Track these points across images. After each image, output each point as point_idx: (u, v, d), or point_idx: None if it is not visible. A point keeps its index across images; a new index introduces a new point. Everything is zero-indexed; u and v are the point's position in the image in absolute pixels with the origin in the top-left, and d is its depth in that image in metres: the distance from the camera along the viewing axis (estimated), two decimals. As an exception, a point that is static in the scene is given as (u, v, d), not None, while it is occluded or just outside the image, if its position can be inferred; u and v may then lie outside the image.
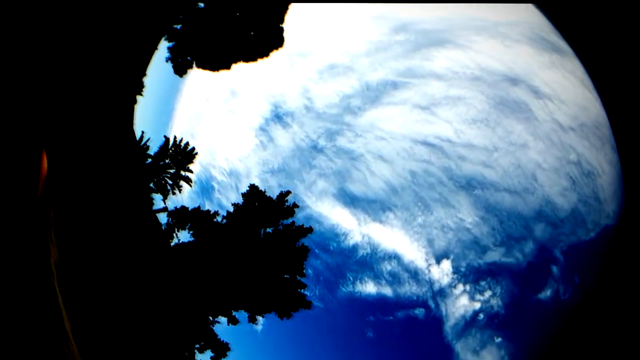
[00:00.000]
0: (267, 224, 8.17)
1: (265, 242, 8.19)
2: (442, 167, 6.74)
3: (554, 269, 6.61)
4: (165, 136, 9.68)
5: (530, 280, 6.55)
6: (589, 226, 7.37)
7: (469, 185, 6.57)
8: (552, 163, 7.32)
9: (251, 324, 7.78)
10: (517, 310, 6.47)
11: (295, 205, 7.44)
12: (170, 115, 9.37)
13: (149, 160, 9.49)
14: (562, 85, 9.17)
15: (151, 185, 9.36)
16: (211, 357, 7.60)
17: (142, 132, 9.55)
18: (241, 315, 7.87)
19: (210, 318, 8.25)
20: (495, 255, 6.42)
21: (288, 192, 7.61)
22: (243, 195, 8.30)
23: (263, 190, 7.86)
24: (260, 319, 7.81)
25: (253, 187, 8.19)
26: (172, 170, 9.54)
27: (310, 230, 7.21)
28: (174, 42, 9.39)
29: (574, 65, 9.57)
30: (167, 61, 9.68)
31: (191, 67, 9.93)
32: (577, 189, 7.44)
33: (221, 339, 7.93)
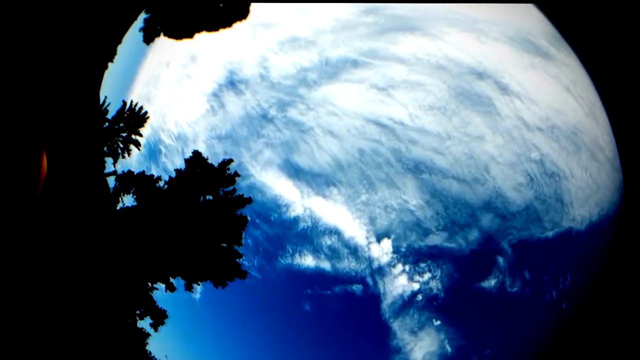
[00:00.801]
0: (207, 191, 8.18)
1: (204, 209, 8.19)
2: (392, 148, 6.83)
3: (500, 260, 6.68)
4: (123, 100, 9.84)
5: (473, 267, 6.62)
6: (545, 225, 7.47)
7: (417, 168, 6.66)
8: (509, 158, 7.45)
9: (188, 291, 7.78)
10: (458, 295, 6.51)
11: (236, 174, 7.45)
12: (133, 80, 9.55)
13: (106, 124, 9.61)
14: (538, 87, 9.41)
15: (105, 149, 9.45)
16: (150, 324, 7.58)
17: (105, 97, 9.69)
18: (179, 282, 7.84)
19: (149, 284, 8.23)
20: (437, 239, 6.48)
21: (230, 161, 7.61)
22: (186, 161, 8.34)
23: (206, 157, 7.91)
24: (197, 287, 7.80)
25: (196, 153, 8.21)
26: (124, 134, 9.60)
27: (249, 200, 7.21)
28: (150, 14, 9.66)
29: (560, 72, 9.83)
30: (140, 31, 9.91)
31: (158, 35, 10.14)
32: (534, 186, 7.56)
33: (159, 306, 7.90)
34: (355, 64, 7.73)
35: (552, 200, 7.82)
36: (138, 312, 8.11)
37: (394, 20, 10.04)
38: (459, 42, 10.20)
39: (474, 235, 6.32)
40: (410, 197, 6.35)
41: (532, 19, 11.23)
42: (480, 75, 8.61)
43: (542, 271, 7.25)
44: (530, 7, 8.86)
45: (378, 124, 6.84)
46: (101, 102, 9.62)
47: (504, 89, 8.71)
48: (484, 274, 6.28)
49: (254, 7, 9.92)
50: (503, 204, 6.74)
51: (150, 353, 7.73)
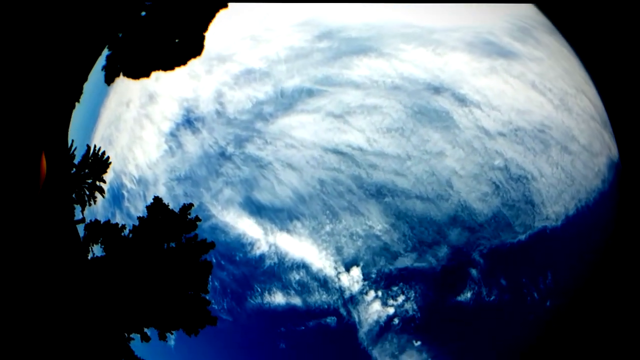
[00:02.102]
0: (170, 238, 8.45)
1: (168, 257, 8.44)
2: (352, 175, 7.19)
3: (473, 271, 7.03)
4: (87, 145, 10.11)
5: (446, 283, 6.93)
6: (517, 229, 7.91)
7: (379, 193, 7.02)
8: (472, 170, 7.92)
9: (162, 340, 7.96)
10: (435, 313, 6.79)
11: (197, 219, 7.76)
12: (96, 121, 9.88)
13: (74, 169, 9.88)
14: (498, 91, 10.01)
15: (73, 195, 9.69)
16: None
17: (72, 141, 9.96)
18: (153, 332, 8.00)
19: (126, 335, 8.37)
20: (406, 261, 6.79)
21: (191, 205, 7.91)
22: (147, 207, 8.64)
23: (167, 202, 8.21)
24: (170, 335, 7.98)
25: (157, 200, 8.51)
26: (89, 180, 9.87)
27: (212, 245, 7.44)
28: (112, 51, 10.13)
29: (525, 68, 10.51)
30: (102, 69, 10.35)
31: (119, 75, 10.59)
32: (501, 193, 8.03)
33: (138, 356, 8.06)
34: (310, 93, 8.24)
35: (521, 204, 8.32)
36: None
37: (348, 44, 10.62)
38: (414, 58, 10.79)
39: (443, 251, 6.74)
40: (375, 222, 6.77)
41: (495, 16, 12.00)
42: (437, 89, 9.22)
43: (519, 275, 7.69)
44: (496, 6, 9.60)
45: (337, 152, 7.30)
46: (69, 145, 9.94)
47: (461, 100, 9.32)
48: (459, 288, 6.68)
49: (209, 35, 10.40)
50: (470, 216, 7.23)
51: None
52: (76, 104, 9.88)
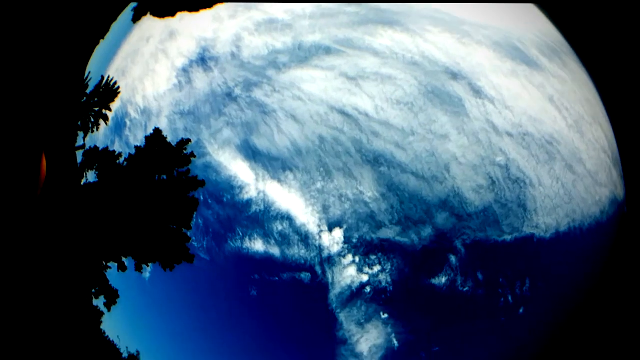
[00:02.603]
0: (162, 170, 8.34)
1: (157, 189, 8.35)
2: (353, 138, 7.01)
3: (452, 258, 6.96)
4: (102, 75, 10.04)
5: (424, 264, 6.86)
6: (504, 228, 7.82)
7: (376, 161, 6.85)
8: (472, 160, 7.76)
9: (137, 272, 7.99)
10: (407, 290, 6.74)
11: (192, 155, 7.62)
12: (116, 54, 9.77)
13: (84, 98, 9.83)
14: (515, 94, 9.78)
15: (79, 123, 9.66)
16: (104, 303, 7.83)
17: (89, 72, 9.88)
18: (130, 262, 8.02)
19: (104, 263, 8.41)
20: (389, 233, 6.69)
21: (188, 141, 7.77)
22: (146, 138, 8.50)
23: (166, 135, 8.07)
24: (146, 267, 8.00)
25: (157, 131, 8.35)
26: (97, 109, 9.79)
27: (202, 183, 7.33)
28: None
29: (547, 82, 10.23)
30: (132, 10, 10.21)
31: (146, 14, 10.41)
32: (496, 190, 7.90)
33: (112, 285, 8.10)
34: (328, 50, 7.98)
35: (513, 206, 8.20)
36: (94, 290, 8.29)
37: (376, 13, 10.32)
38: (439, 41, 10.53)
39: (427, 231, 6.64)
40: (366, 188, 6.63)
41: (527, 26, 11.68)
42: (455, 75, 8.96)
43: (498, 274, 7.62)
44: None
45: (342, 112, 7.10)
46: (85, 76, 9.91)
47: (477, 92, 9.08)
48: (435, 271, 6.61)
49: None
50: (460, 204, 7.10)
51: (104, 332, 7.94)
52: (100, 40, 9.83)
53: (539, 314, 8.50)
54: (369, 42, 9.20)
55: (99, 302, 8.09)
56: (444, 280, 7.33)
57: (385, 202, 7.24)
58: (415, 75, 8.74)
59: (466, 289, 7.54)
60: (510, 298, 8.22)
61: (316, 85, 7.95)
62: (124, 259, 8.58)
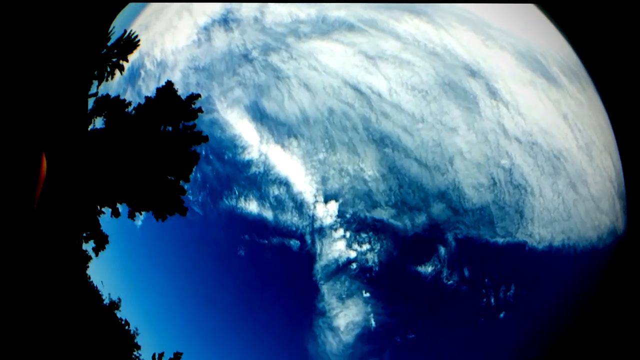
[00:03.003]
0: (168, 122, 8.31)
1: (161, 139, 8.33)
2: (363, 116, 6.93)
3: (442, 250, 6.92)
4: (125, 29, 10.05)
5: (413, 250, 6.82)
6: (497, 231, 7.76)
7: (381, 141, 6.78)
8: (477, 157, 7.68)
9: (130, 219, 7.99)
10: (392, 273, 6.72)
11: (200, 110, 7.56)
12: (141, 10, 9.71)
13: (105, 50, 9.82)
14: (530, 103, 9.65)
15: (95, 72, 9.66)
16: (92, 248, 7.79)
17: (113, 27, 9.87)
18: (123, 209, 8.01)
19: (98, 207, 8.39)
20: (384, 214, 6.63)
21: (198, 96, 7.71)
22: (157, 89, 8.45)
23: (177, 88, 8.02)
24: (139, 215, 7.99)
25: (168, 84, 8.30)
26: (114, 59, 9.78)
27: (205, 139, 7.28)
28: None
29: (563, 100, 10.09)
30: None
31: None
32: (495, 191, 7.83)
33: (103, 231, 8.09)
34: (351, 27, 7.87)
35: (510, 210, 8.13)
36: (85, 234, 8.27)
37: (405, 2, 10.23)
38: (462, 37, 10.38)
39: (421, 219, 6.58)
40: (368, 167, 6.57)
41: (551, 45, 11.53)
42: (473, 73, 8.84)
43: (484, 274, 7.58)
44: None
45: (356, 89, 7.01)
46: (109, 29, 9.91)
47: (492, 93, 8.96)
48: (423, 259, 6.56)
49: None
50: (458, 198, 7.02)
51: (89, 277, 7.93)
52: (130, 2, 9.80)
53: (518, 322, 8.46)
54: (393, 26, 9.08)
55: (88, 247, 8.08)
56: (430, 269, 7.30)
57: (384, 183, 7.19)
58: (434, 65, 8.64)
59: (450, 282, 7.52)
60: (492, 300, 8.19)
61: (334, 59, 7.87)
62: (118, 205, 8.58)
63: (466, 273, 7.77)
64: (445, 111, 8.18)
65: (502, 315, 8.02)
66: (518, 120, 10.15)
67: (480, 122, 8.58)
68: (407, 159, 7.42)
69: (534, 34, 11.49)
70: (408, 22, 9.74)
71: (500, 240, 8.34)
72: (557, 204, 9.58)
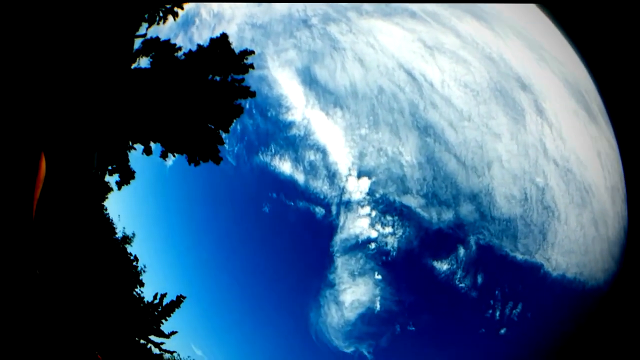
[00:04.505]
0: (218, 73, 8.19)
1: (207, 88, 8.22)
2: (411, 101, 6.78)
3: (461, 251, 6.73)
4: None
5: (433, 244, 6.66)
6: (518, 247, 7.53)
7: (425, 130, 6.62)
8: (514, 168, 7.44)
9: (162, 158, 7.88)
10: (408, 262, 6.57)
11: (251, 67, 7.43)
12: None
13: None
14: (572, 131, 9.37)
15: (145, 16, 9.57)
16: (116, 182, 7.71)
17: None
18: (156, 148, 7.92)
19: (129, 143, 8.31)
20: (412, 202, 6.48)
21: (251, 52, 7.59)
22: (211, 39, 8.35)
23: (232, 41, 7.91)
24: (172, 157, 7.88)
25: (223, 36, 8.20)
26: (168, 5, 9.68)
27: (253, 94, 7.16)
28: None
29: (599, 138, 9.79)
30: None
31: None
32: (525, 207, 7.58)
33: (130, 166, 8.01)
34: (413, 15, 7.63)
35: (535, 229, 7.84)
36: (110, 167, 8.19)
37: (469, 5, 9.94)
38: (518, 51, 10.10)
39: (448, 215, 6.34)
40: (407, 152, 6.35)
41: (591, 88, 11.22)
42: (525, 86, 8.55)
43: (495, 285, 7.32)
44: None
45: (409, 74, 6.78)
46: None
47: (540, 110, 8.65)
48: (441, 255, 6.33)
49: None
50: (489, 203, 6.76)
51: (106, 209, 7.80)
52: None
53: (516, 343, 8.14)
54: (454, 23, 8.79)
55: (112, 179, 7.93)
56: (445, 267, 7.09)
57: (420, 172, 6.99)
58: (489, 69, 8.35)
59: (462, 285, 7.28)
60: (497, 314, 7.89)
61: (392, 40, 7.64)
62: (152, 144, 8.40)
63: (479, 280, 7.52)
64: (492, 116, 7.92)
65: (503, 331, 7.74)
66: (559, 143, 9.77)
67: (523, 135, 8.30)
68: (447, 153, 7.21)
69: (578, 69, 11.10)
70: (470, 24, 9.45)
71: (519, 256, 8.06)
72: (579, 236, 9.21)
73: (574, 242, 9.12)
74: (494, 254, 7.44)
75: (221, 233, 6.23)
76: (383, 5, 8.42)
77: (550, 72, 10.99)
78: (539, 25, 11.07)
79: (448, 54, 7.82)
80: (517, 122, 8.00)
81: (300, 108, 6.38)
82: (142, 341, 7.06)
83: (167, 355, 6.65)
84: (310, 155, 5.98)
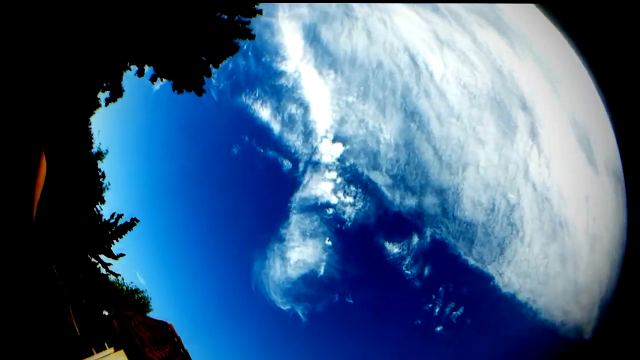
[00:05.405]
0: (227, 11, 8.05)
1: (212, 22, 8.09)
2: (406, 84, 6.70)
3: (415, 239, 6.71)
4: None
5: (390, 226, 6.64)
6: (472, 252, 7.50)
7: (411, 115, 6.55)
8: (490, 177, 7.36)
9: (151, 82, 7.86)
10: (361, 236, 6.56)
11: (260, 12, 7.35)
12: None
13: None
14: (562, 166, 9.27)
15: None
16: (106, 99, 7.72)
17: None
18: (150, 72, 7.89)
19: (127, 63, 8.25)
20: (380, 179, 6.45)
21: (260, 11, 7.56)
22: (226, -18, 8.21)
23: (245, -10, 7.82)
24: (160, 82, 7.87)
25: (237, -21, 8.12)
26: None
27: (252, 37, 7.14)
28: None
29: (592, 184, 9.62)
30: None
31: None
32: (490, 217, 7.51)
33: (122, 85, 8.01)
34: (435, 9, 7.46)
35: (494, 241, 7.78)
36: (105, 84, 8.12)
37: (493, 14, 9.72)
38: (531, 75, 9.94)
39: (411, 202, 6.28)
40: (387, 131, 6.26)
41: (604, 139, 11.00)
42: (525, 107, 8.40)
43: (442, 282, 7.29)
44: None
45: (412, 59, 6.65)
46: None
47: (534, 134, 8.52)
48: (394, 238, 6.28)
49: None
50: (454, 203, 6.69)
51: (90, 124, 7.77)
52: None
53: (449, 344, 8.10)
54: (474, 29, 8.61)
55: (103, 96, 7.84)
56: (396, 250, 7.06)
57: (395, 153, 6.93)
58: (494, 80, 8.20)
59: (408, 272, 7.27)
60: (437, 310, 7.88)
61: (405, 23, 7.50)
62: (146, 67, 8.30)
63: (426, 272, 7.51)
64: (482, 122, 7.83)
65: (439, 329, 7.75)
66: (543, 170, 9.64)
67: (509, 150, 8.20)
68: (427, 143, 7.14)
69: (594, 117, 10.87)
70: (488, 34, 9.27)
71: (471, 261, 8.03)
72: (539, 264, 9.12)
73: (533, 268, 9.07)
74: (447, 252, 7.41)
75: (188, 164, 6.16)
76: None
77: (560, 106, 10.81)
78: (567, 63, 10.80)
79: (457, 52, 7.68)
80: (505, 136, 7.90)
81: (295, 60, 6.27)
82: (92, 259, 7.03)
83: (112, 278, 6.61)
84: (292, 109, 5.89)
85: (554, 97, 10.45)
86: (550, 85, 10.45)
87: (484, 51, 8.46)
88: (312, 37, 6.49)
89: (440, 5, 8.57)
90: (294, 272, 6.16)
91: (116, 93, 8.07)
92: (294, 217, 6.01)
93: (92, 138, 7.60)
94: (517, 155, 7.71)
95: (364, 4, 6.70)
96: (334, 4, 6.70)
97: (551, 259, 8.99)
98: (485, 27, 9.38)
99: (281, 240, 6.16)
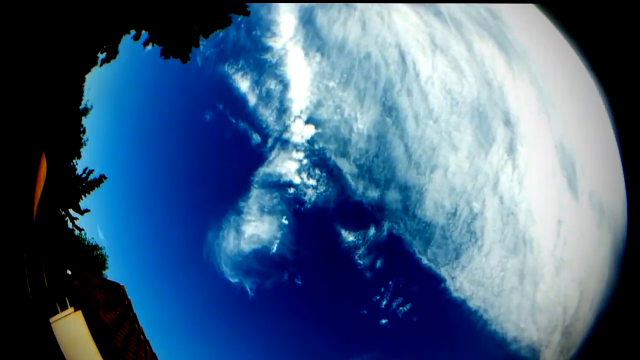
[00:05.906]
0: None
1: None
2: (390, 80, 6.70)
3: (371, 232, 6.80)
4: None
5: (348, 214, 6.73)
6: (428, 252, 7.60)
7: (389, 110, 6.58)
8: (456, 184, 7.42)
9: (143, 46, 8.04)
10: (317, 220, 6.64)
11: (258, -11, 7.43)
12: None
13: None
14: (536, 186, 9.29)
15: None
16: (102, 60, 7.89)
17: None
18: (144, 36, 8.04)
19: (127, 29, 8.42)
20: (346, 167, 6.50)
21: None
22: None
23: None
24: (151, 47, 8.03)
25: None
26: None
27: (247, 13, 7.13)
28: None
29: (569, 207, 9.66)
30: None
31: None
32: (450, 221, 7.59)
33: (119, 47, 8.19)
34: (437, 13, 7.42)
35: (451, 245, 7.89)
36: (105, 46, 8.21)
37: (498, 28, 9.68)
38: (524, 94, 9.93)
39: (373, 194, 6.35)
40: (362, 121, 6.30)
41: (596, 170, 11.02)
42: (507, 122, 8.43)
43: (391, 277, 7.43)
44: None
45: (400, 56, 6.66)
46: None
47: (511, 149, 8.56)
48: (351, 226, 6.37)
49: None
50: (416, 201, 6.77)
51: (84, 80, 7.88)
52: None
53: (391, 338, 8.30)
54: (472, 39, 8.57)
55: (100, 56, 7.92)
56: (351, 239, 7.16)
57: (366, 144, 6.96)
58: (481, 90, 8.21)
59: (360, 262, 7.38)
60: (384, 303, 8.01)
61: (403, 21, 7.45)
62: (144, 31, 8.37)
63: (378, 264, 7.61)
64: (459, 129, 7.85)
65: (384, 322, 7.90)
66: (514, 186, 9.71)
67: (481, 160, 8.24)
68: (399, 139, 7.17)
69: (582, 147, 10.95)
70: (488, 46, 9.22)
71: (424, 261, 8.13)
72: (495, 276, 9.27)
73: (487, 278, 9.19)
74: (401, 248, 7.51)
75: (160, 122, 6.20)
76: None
77: (546, 127, 10.80)
78: (572, 89, 10.80)
79: (449, 58, 7.66)
80: (480, 146, 7.94)
81: (284, 38, 6.26)
82: (62, 212, 7.13)
83: (76, 232, 6.72)
84: (272, 84, 5.91)
85: (542, 118, 10.42)
86: (541, 105, 10.44)
87: (477, 61, 8.44)
88: (307, 18, 6.47)
89: (443, 10, 8.53)
90: (246, 246, 6.26)
91: (112, 54, 8.17)
92: (255, 192, 6.08)
93: (82, 94, 7.73)
94: (488, 166, 7.77)
95: (364, 4, 6.70)
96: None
97: (509, 272, 9.13)
98: (485, 40, 9.34)
99: (238, 213, 6.24)
